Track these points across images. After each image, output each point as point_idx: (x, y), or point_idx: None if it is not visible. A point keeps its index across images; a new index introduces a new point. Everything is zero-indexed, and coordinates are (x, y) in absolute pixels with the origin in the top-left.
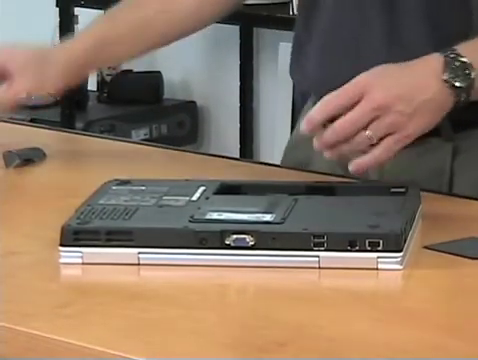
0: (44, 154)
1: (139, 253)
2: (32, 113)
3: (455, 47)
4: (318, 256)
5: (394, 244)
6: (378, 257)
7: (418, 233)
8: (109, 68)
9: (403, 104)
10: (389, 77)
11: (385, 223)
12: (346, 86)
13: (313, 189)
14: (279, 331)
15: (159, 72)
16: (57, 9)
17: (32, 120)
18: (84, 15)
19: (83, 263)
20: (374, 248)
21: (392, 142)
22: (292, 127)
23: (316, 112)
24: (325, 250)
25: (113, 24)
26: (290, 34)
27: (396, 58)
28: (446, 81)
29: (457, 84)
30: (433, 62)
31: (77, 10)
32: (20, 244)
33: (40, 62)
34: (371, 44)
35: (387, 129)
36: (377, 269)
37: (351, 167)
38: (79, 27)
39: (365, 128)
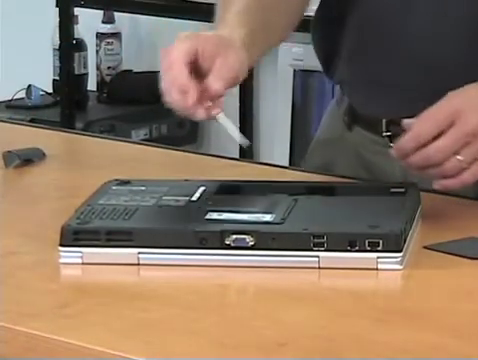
0: (44, 154)
1: (139, 253)
2: (32, 113)
3: None
4: (318, 256)
5: (394, 244)
6: (378, 257)
7: (418, 233)
8: (109, 68)
9: None
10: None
11: (385, 223)
12: (437, 111)
13: (313, 189)
14: (279, 331)
15: (159, 72)
16: (57, 9)
17: (32, 120)
18: (84, 15)
19: (83, 263)
20: (374, 248)
21: None
22: (292, 127)
23: (407, 141)
24: (325, 250)
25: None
26: (291, 34)
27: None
28: None
29: None
30: None
31: (77, 10)
32: (20, 244)
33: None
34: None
35: (476, 154)
36: (377, 269)
37: (436, 186)
38: (79, 27)
39: (456, 153)
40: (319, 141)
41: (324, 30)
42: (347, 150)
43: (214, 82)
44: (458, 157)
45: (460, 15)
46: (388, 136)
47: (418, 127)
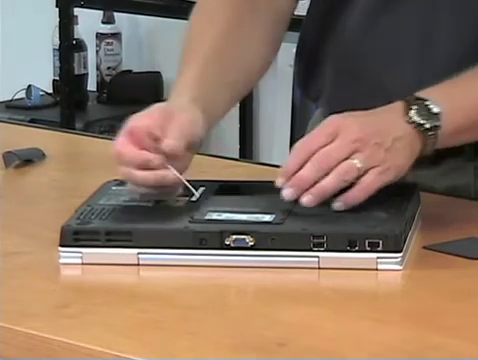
0: (44, 154)
1: (139, 253)
2: (32, 113)
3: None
4: (318, 256)
5: (394, 244)
6: (378, 257)
7: (418, 233)
8: (109, 68)
9: (380, 137)
10: (360, 118)
11: (385, 223)
12: (320, 127)
13: None
14: (279, 331)
15: (159, 72)
16: (57, 9)
17: (32, 120)
18: (84, 15)
19: (83, 263)
20: (374, 248)
21: (377, 173)
22: (292, 127)
23: (291, 164)
24: (325, 250)
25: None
26: (290, 34)
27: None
28: (411, 121)
29: (422, 122)
30: (395, 106)
31: (77, 10)
32: (20, 244)
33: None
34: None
35: (368, 161)
36: (377, 269)
37: (337, 204)
38: (79, 27)
39: (347, 158)
40: None
41: (304, 57)
42: None
43: (170, 140)
44: (354, 161)
45: (445, 61)
46: None
47: (299, 147)
